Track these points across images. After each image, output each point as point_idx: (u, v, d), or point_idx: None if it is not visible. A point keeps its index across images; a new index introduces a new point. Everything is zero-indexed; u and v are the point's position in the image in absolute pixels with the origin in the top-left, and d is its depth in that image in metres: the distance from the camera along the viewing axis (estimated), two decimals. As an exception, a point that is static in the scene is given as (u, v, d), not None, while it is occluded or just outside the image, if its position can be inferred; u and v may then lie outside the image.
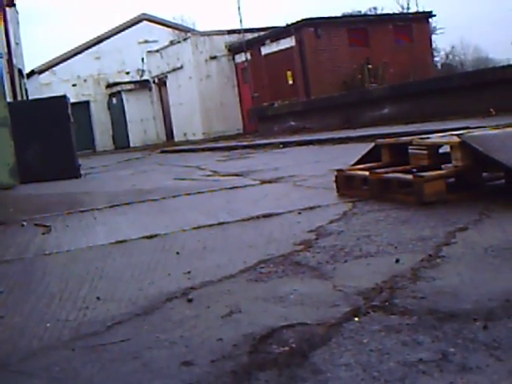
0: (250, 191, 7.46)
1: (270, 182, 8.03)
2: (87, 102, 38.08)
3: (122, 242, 4.84)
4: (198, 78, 32.18)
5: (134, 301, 3.17)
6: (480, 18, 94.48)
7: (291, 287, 3.05)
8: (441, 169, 5.18)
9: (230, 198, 6.96)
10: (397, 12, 35.52)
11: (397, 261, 3.27)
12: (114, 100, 38.15)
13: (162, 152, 23.94)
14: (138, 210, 6.79)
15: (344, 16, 34.81)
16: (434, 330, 2.31)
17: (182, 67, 33.24)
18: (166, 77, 34.98)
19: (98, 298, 3.28)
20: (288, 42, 29.62)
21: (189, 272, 3.60)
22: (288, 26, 29.77)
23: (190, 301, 3.05)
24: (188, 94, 32.59)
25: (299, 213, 5.18)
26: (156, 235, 4.94)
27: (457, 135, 5.10)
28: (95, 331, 2.77)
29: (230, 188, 7.82)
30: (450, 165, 5.07)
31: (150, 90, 37.54)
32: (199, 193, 7.66)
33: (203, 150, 21.38)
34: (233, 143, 22.05)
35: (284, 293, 2.97)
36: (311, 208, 5.35)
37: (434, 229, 3.95)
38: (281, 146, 16.64)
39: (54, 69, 37.40)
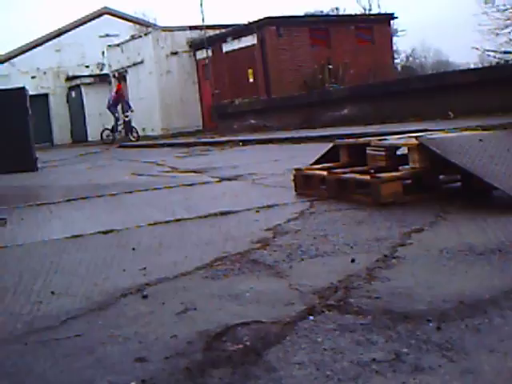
0: (209, 188, 7.45)
1: (228, 179, 8.02)
2: (46, 95, 37.74)
3: (77, 236, 4.80)
4: (159, 74, 32.01)
5: (89, 296, 3.15)
6: (441, 21, 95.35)
7: (247, 285, 3.05)
8: (398, 170, 5.22)
9: (187, 195, 6.94)
10: (359, 13, 35.67)
11: (352, 261, 3.29)
12: (73, 93, 37.82)
13: (121, 147, 23.80)
14: (95, 205, 6.74)
15: (306, 16, 34.88)
16: (388, 330, 2.32)
17: (142, 62, 33.03)
18: (126, 71, 34.72)
19: (52, 293, 3.25)
20: (250, 40, 29.60)
21: (144, 268, 3.58)
22: (250, 23, 29.76)
23: (144, 297, 3.03)
24: (148, 90, 32.39)
25: (257, 211, 5.18)
26: (112, 231, 4.91)
27: (415, 137, 5.14)
28: (49, 326, 2.74)
29: (188, 185, 7.80)
30: (407, 166, 5.11)
31: (110, 84, 37.24)
32: (157, 189, 7.64)
33: (162, 145, 21.30)
34: (192, 140, 22.00)
35: (240, 290, 2.97)
36: (269, 206, 5.36)
37: (389, 230, 3.98)
38: (240, 143, 16.64)
39: (13, 60, 37.00)
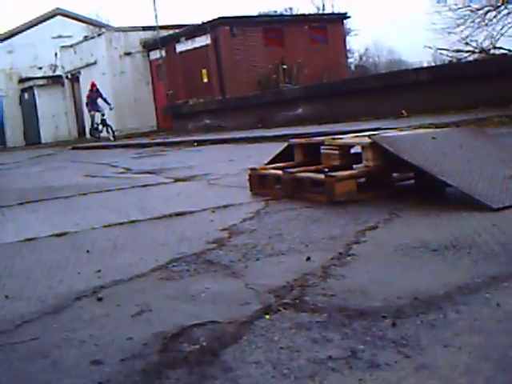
0: (163, 189, 7.42)
1: (183, 180, 8.00)
2: (-2, 97, 37.28)
3: (31, 239, 4.75)
4: (112, 74, 31.83)
5: (44, 299, 3.11)
6: (394, 21, 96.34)
7: (203, 286, 3.04)
8: (352, 169, 5.25)
9: (142, 196, 6.91)
10: (312, 13, 35.82)
11: (308, 259, 3.30)
12: (26, 95, 37.40)
13: (74, 149, 23.61)
14: (48, 208, 6.67)
15: (260, 16, 34.95)
16: (344, 327, 2.33)
17: (95, 63, 32.81)
18: (79, 72, 34.48)
19: (6, 297, 3.21)
20: (203, 40, 29.56)
21: (99, 271, 3.55)
22: (204, 24, 29.72)
23: (100, 299, 3.01)
24: (101, 91, 32.19)
25: (212, 211, 5.17)
26: (66, 233, 4.86)
27: (368, 136, 5.18)
28: (3, 330, 2.71)
29: (143, 186, 7.76)
30: (361, 165, 5.15)
31: (63, 85, 36.91)
32: (111, 190, 7.58)
33: (116, 146, 21.18)
34: (146, 140, 21.91)
35: (195, 291, 2.96)
36: (224, 206, 5.35)
37: (344, 228, 4.00)
38: (195, 144, 16.61)
39: (-36, 62, 36.48)
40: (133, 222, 5.10)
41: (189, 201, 6.04)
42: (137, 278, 3.35)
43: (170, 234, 4.47)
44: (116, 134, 29.53)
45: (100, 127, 27.75)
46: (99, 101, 27.92)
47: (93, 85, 28.01)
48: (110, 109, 27.25)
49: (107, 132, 26.97)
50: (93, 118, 27.86)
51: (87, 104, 28.27)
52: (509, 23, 23.27)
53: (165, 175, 8.85)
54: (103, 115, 27.25)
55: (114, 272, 3.49)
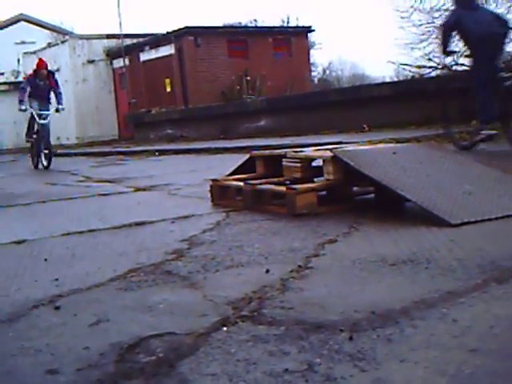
0: (123, 198, 7.38)
1: (144, 189, 7.97)
2: (-42, 102, 36.68)
3: (-12, 246, 4.69)
4: (75, 82, 31.62)
5: (0, 307, 3.07)
6: (358, 35, 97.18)
7: (161, 296, 3.02)
8: (313, 182, 5.28)
9: (102, 205, 6.86)
10: (277, 25, 35.94)
11: (267, 271, 3.30)
12: (-13, 101, 36.83)
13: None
14: (7, 215, 6.60)
15: (224, 27, 34.94)
16: (301, 340, 2.33)
17: (58, 70, 32.43)
18: (42, 79, 34.10)
19: (-41, 305, 3.17)
20: (167, 50, 29.52)
21: (57, 279, 3.52)
22: (168, 33, 29.67)
23: (57, 308, 2.98)
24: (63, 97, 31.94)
25: (172, 222, 5.15)
26: (24, 241, 4.81)
27: (329, 150, 5.21)
28: (-45, 339, 2.67)
29: (103, 194, 7.72)
30: (322, 178, 5.17)
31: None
32: (71, 199, 7.53)
33: (76, 154, 21.04)
34: (107, 149, 21.79)
35: (153, 302, 2.94)
36: (185, 217, 5.34)
37: (304, 240, 4.01)
38: (156, 153, 16.56)
39: None
40: (92, 230, 5.07)
41: (149, 210, 6.02)
42: (95, 287, 3.32)
43: (129, 243, 4.44)
44: (77, 142, 28.91)
45: (36, 139, 15.09)
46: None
47: (43, 64, 15.15)
48: (58, 110, 14.91)
49: (39, 152, 14.87)
50: (31, 119, 15.31)
51: (23, 91, 15.07)
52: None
53: (125, 184, 8.81)
54: (44, 118, 14.76)
55: (72, 281, 3.46)
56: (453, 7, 10.11)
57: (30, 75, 15.42)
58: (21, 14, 38.85)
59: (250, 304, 2.78)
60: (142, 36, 32.23)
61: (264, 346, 2.31)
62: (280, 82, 28.54)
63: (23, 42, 36.73)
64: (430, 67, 23.29)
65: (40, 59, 15.78)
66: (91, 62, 32.13)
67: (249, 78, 28.51)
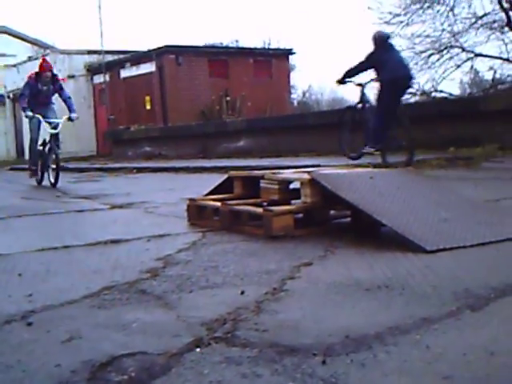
0: (99, 215, 7.35)
1: (120, 206, 7.94)
2: None
3: (-40, 260, 4.65)
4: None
5: (-30, 323, 3.04)
6: (339, 59, 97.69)
7: (134, 315, 3.00)
8: (290, 204, 5.29)
9: (77, 221, 6.83)
10: (258, 47, 36.12)
11: (242, 293, 3.29)
12: (-34, 113, 36.58)
13: (12, 169, 23.25)
14: (-19, 228, 6.54)
15: (206, 46, 35.06)
16: (274, 363, 2.33)
17: (38, 84, 32.47)
18: (21, 93, 33.92)
19: None
20: (148, 67, 29.55)
21: (30, 295, 3.48)
22: (149, 51, 29.72)
23: (29, 324, 2.95)
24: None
25: (148, 240, 5.13)
26: (-2, 255, 4.77)
27: (307, 172, 5.22)
28: None
29: (79, 211, 7.68)
30: (299, 201, 5.18)
31: (4, 104, 36.41)
32: (46, 214, 7.48)
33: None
34: (85, 165, 21.72)
35: (127, 321, 2.92)
36: (161, 236, 5.32)
37: (280, 262, 4.01)
38: (134, 171, 16.52)
39: None
40: (67, 247, 5.03)
41: (125, 228, 5.99)
42: (68, 304, 3.29)
43: (103, 261, 4.42)
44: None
45: (44, 150, 13.16)
46: (55, 100, 13.51)
47: (47, 66, 12.98)
48: (71, 119, 13.09)
49: (47, 167, 12.90)
50: (36, 126, 13.10)
51: (23, 97, 13.02)
52: (451, 67, 23.80)
53: (102, 201, 8.77)
54: (55, 127, 12.84)
55: (46, 297, 3.43)
56: (373, 47, 11.57)
57: (30, 78, 12.91)
58: (2, 27, 38.75)
59: (224, 325, 2.77)
60: (123, 53, 32.25)
61: (237, 368, 2.30)
62: (260, 103, 28.63)
63: (4, 55, 36.60)
64: (409, 93, 23.48)
65: (43, 59, 13.44)
66: (72, 77, 32.04)
67: (229, 98, 28.58)
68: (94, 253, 4.80)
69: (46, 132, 13.11)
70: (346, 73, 11.83)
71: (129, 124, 27.62)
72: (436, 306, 2.92)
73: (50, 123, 12.93)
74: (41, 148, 13.26)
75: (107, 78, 30.83)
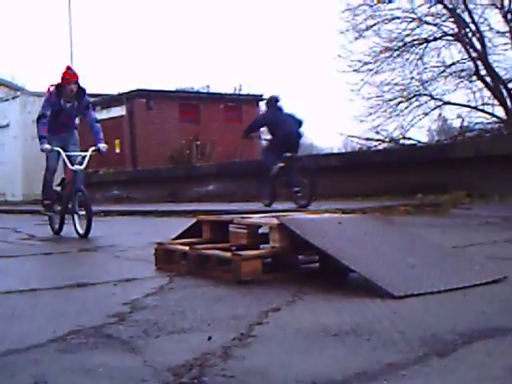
0: (67, 258, 7.30)
1: (88, 250, 7.88)
2: None
3: None
4: (24, 139, 31.33)
5: None
6: (308, 106, 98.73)
7: (101, 360, 2.97)
8: (259, 248, 5.28)
9: (44, 264, 6.77)
10: (229, 93, 36.32)
11: (209, 338, 3.27)
12: None
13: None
14: None
15: (177, 91, 35.17)
16: (241, 409, 2.31)
17: (7, 125, 32.36)
18: (-10, 133, 33.63)
19: None
20: (119, 111, 29.61)
21: (-6, 339, 3.44)
22: (120, 94, 29.80)
23: (-7, 369, 2.91)
24: (11, 154, 31.63)
25: (115, 284, 5.09)
26: (-38, 298, 4.71)
27: (276, 217, 5.23)
28: None
29: (46, 254, 7.61)
30: (268, 245, 5.18)
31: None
32: (13, 256, 7.40)
33: (22, 212, 20.77)
34: (54, 207, 21.52)
35: (93, 365, 2.89)
36: (128, 280, 5.28)
37: (248, 308, 3.99)
38: (102, 214, 16.43)
39: None
40: (33, 290, 4.98)
41: (92, 272, 5.95)
42: (34, 348, 3.25)
43: (70, 304, 4.37)
44: (24, 199, 28.43)
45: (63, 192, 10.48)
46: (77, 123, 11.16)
47: (74, 76, 9.81)
48: (99, 150, 10.28)
49: (73, 214, 9.92)
50: (55, 156, 10.27)
51: (44, 121, 9.89)
52: (419, 115, 24.15)
53: (69, 244, 8.71)
54: (80, 163, 10.18)
55: (11, 340, 3.38)
56: (265, 109, 14.85)
57: (50, 93, 9.89)
58: (-28, 68, 38.74)
59: (191, 371, 2.75)
60: (94, 96, 32.20)
61: (203, 414, 2.28)
62: (230, 147, 28.74)
63: (-28, 97, 36.48)
64: (377, 140, 23.80)
65: (67, 67, 10.22)
66: (42, 119, 31.93)
67: (199, 142, 28.66)
68: (61, 296, 4.75)
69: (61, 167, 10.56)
70: (245, 130, 14.85)
71: (98, 167, 27.54)
72: (403, 351, 2.93)
73: (70, 158, 9.92)
74: (58, 189, 10.51)
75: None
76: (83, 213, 9.76)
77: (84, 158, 10.17)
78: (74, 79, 9.79)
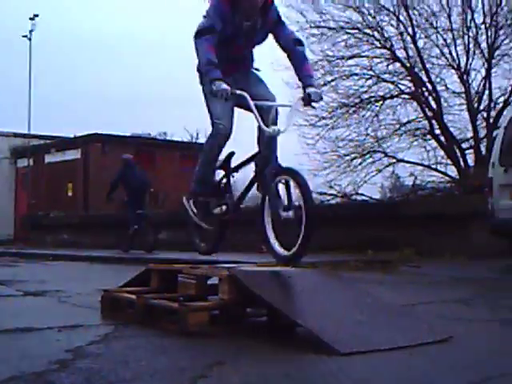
0: (11, 302, 7.17)
1: (33, 294, 7.75)
2: None
3: None
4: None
5: None
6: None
7: (39, 409, 2.90)
8: (207, 300, 5.25)
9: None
10: (185, 140, 36.44)
11: (152, 390, 3.22)
12: None
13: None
14: None
15: (133, 136, 35.18)
16: None
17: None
18: None
19: None
20: (73, 154, 29.48)
21: None
22: (76, 138, 29.71)
23: None
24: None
25: (59, 330, 5.00)
26: None
27: (225, 268, 5.21)
28: None
29: (-10, 297, 7.48)
30: (216, 297, 5.15)
31: None
32: (-44, 298, 7.26)
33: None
34: (1, 249, 21.28)
35: (30, 415, 2.82)
36: (72, 327, 5.19)
37: (192, 360, 3.95)
38: (51, 258, 16.25)
39: None
40: (-26, 334, 4.88)
41: (36, 317, 5.84)
42: (-30, 395, 3.17)
43: (12, 350, 4.28)
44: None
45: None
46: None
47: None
48: (310, 98, 5.81)
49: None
50: (228, 120, 6.13)
51: (204, 38, 5.56)
52: (372, 171, 24.40)
53: (15, 287, 8.56)
54: (274, 123, 6.05)
55: None
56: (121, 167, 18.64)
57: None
58: None
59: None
60: (50, 138, 32.14)
61: None
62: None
63: None
64: (330, 194, 23.96)
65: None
66: (-5, 158, 31.72)
67: (152, 189, 28.57)
68: (3, 341, 4.66)
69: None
70: (109, 191, 18.74)
71: (49, 210, 27.30)
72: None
73: (261, 111, 5.97)
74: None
75: (31, 162, 30.58)
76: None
77: (277, 113, 6.19)
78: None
